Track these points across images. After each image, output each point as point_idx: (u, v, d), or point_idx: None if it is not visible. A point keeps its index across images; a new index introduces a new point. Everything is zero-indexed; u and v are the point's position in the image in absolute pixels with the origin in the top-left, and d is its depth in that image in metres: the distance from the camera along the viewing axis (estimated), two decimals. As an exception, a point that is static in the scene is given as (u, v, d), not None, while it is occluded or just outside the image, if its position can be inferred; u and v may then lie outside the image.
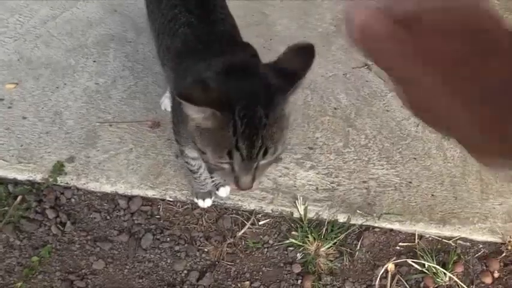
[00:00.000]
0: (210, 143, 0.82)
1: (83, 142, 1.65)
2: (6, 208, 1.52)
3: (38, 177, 1.57)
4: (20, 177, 1.58)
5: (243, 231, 1.50)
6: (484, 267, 1.53)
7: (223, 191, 1.51)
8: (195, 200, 1.50)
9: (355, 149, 1.70)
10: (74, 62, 1.89)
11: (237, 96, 0.79)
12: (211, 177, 1.46)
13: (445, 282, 1.47)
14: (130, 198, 1.54)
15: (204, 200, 1.49)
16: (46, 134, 1.67)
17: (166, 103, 1.68)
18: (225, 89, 0.81)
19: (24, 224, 1.49)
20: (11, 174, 1.58)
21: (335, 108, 1.81)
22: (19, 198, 1.53)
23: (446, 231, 1.55)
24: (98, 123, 1.70)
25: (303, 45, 0.82)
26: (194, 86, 0.84)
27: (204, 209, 1.52)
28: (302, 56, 0.83)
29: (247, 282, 1.44)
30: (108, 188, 1.56)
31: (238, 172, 0.82)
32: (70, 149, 1.63)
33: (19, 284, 1.40)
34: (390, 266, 1.49)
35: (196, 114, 0.81)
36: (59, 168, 1.57)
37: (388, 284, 1.46)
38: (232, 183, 0.87)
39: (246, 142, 0.78)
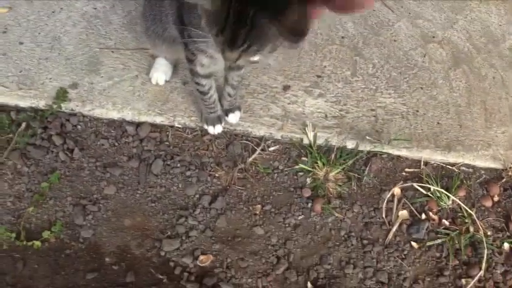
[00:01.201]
0: (207, 16, 0.84)
1: (85, 68, 1.60)
2: (10, 135, 1.49)
3: (41, 104, 1.52)
4: (22, 104, 1.53)
5: (253, 156, 1.51)
6: (485, 192, 1.58)
7: (233, 117, 1.50)
8: (205, 127, 1.49)
9: (363, 78, 1.69)
10: (69, -15, 1.78)
11: None
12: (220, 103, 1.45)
13: (448, 205, 1.53)
14: (138, 125, 1.52)
15: (214, 126, 1.48)
16: (45, 59, 1.61)
17: (156, 76, 1.56)
18: None
19: (30, 150, 1.47)
20: (12, 101, 1.53)
21: (342, 37, 1.78)
22: (23, 125, 1.49)
23: (450, 158, 1.58)
24: (99, 49, 1.64)
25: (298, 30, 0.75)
26: None
27: (214, 135, 1.51)
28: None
29: (259, 206, 1.46)
30: (115, 115, 1.53)
31: (224, 47, 0.85)
32: (72, 75, 1.58)
33: (30, 209, 1.39)
34: (396, 190, 1.53)
35: None
36: (62, 95, 1.52)
37: (394, 207, 1.51)
38: (220, 52, 0.89)
39: (230, 33, 0.80)
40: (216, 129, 1.48)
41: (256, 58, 1.00)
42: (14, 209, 1.41)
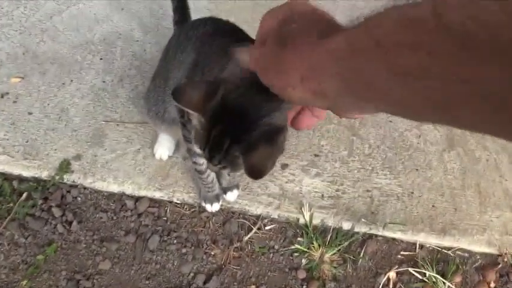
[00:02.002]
0: (195, 132, 0.88)
1: (90, 140, 1.64)
2: (11, 205, 1.51)
3: (43, 175, 1.56)
4: (26, 173, 1.56)
5: (249, 235, 1.52)
6: (481, 278, 1.58)
7: (231, 195, 1.53)
8: (203, 204, 1.51)
9: (359, 158, 1.73)
10: (81, 59, 1.87)
11: (223, 119, 0.81)
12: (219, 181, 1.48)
13: (443, 291, 1.52)
14: (137, 199, 1.54)
15: (212, 204, 1.50)
16: (52, 130, 1.66)
17: (160, 152, 1.60)
18: (222, 106, 0.80)
19: (29, 221, 1.48)
20: (16, 170, 1.56)
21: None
22: (24, 195, 1.52)
23: (446, 242, 1.59)
24: (104, 122, 1.70)
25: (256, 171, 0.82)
26: (199, 88, 0.82)
27: (211, 212, 1.53)
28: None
29: (253, 287, 1.45)
30: (115, 188, 1.56)
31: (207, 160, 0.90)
32: (77, 146, 1.62)
33: (24, 282, 1.39)
34: (392, 274, 1.52)
35: (186, 110, 0.85)
36: (65, 166, 1.56)
37: (390, 292, 1.50)
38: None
39: (209, 154, 0.85)
40: (213, 208, 1.50)
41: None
42: (8, 281, 1.40)
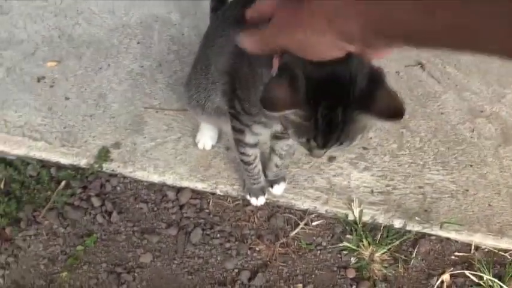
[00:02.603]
0: (293, 127, 0.83)
1: (129, 128, 1.58)
2: (49, 193, 1.46)
3: (82, 163, 1.50)
4: (64, 161, 1.51)
5: (296, 231, 1.45)
6: (540, 283, 1.48)
7: (277, 188, 1.45)
8: (248, 198, 1.44)
9: (410, 152, 1.63)
10: (117, 42, 1.80)
11: (323, 94, 0.75)
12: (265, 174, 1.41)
13: (501, 296, 1.43)
14: (179, 190, 1.48)
15: (257, 197, 1.43)
16: (90, 117, 1.60)
17: (203, 141, 1.52)
18: (312, 83, 0.75)
19: (68, 211, 1.43)
20: (54, 158, 1.51)
21: (388, 108, 1.74)
22: (63, 183, 1.47)
23: (503, 244, 1.49)
24: (143, 109, 1.63)
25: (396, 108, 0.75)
26: (280, 86, 0.76)
27: (256, 206, 1.46)
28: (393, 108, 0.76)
29: (300, 285, 1.38)
30: (156, 178, 1.49)
31: (312, 149, 0.86)
32: (115, 134, 1.56)
33: (64, 274, 1.34)
34: (446, 276, 1.44)
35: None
36: (104, 154, 1.50)
37: (444, 295, 1.42)
38: (307, 151, 0.89)
39: (323, 138, 0.79)
40: (259, 201, 1.43)
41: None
42: (47, 272, 1.36)
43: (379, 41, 0.54)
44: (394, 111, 0.73)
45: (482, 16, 0.41)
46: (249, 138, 1.20)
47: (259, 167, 1.36)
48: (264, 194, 1.43)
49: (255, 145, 1.25)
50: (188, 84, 1.38)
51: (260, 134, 1.18)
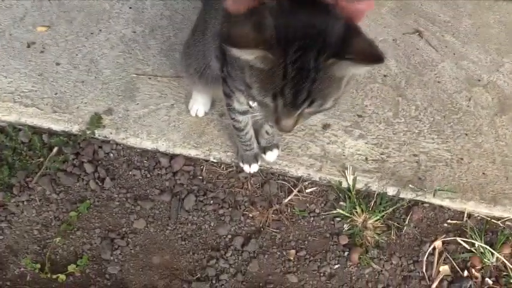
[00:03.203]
0: (258, 80, 0.77)
1: (121, 94, 1.56)
2: (41, 159, 1.45)
3: (74, 129, 1.49)
4: (56, 127, 1.49)
5: (289, 198, 1.45)
6: (531, 250, 1.49)
7: (271, 155, 1.44)
8: (241, 165, 1.43)
9: (405, 120, 1.62)
10: (109, 7, 1.76)
11: (294, 37, 0.71)
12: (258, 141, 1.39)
13: (491, 262, 1.44)
14: (172, 157, 1.47)
15: (250, 164, 1.42)
16: (82, 83, 1.57)
17: (196, 108, 1.49)
18: (282, 26, 0.71)
19: (61, 177, 1.42)
20: (45, 124, 1.49)
21: (384, 76, 1.72)
22: (55, 149, 1.46)
23: (496, 212, 1.50)
24: (136, 75, 1.60)
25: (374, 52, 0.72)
26: (245, 25, 0.73)
27: (249, 173, 1.45)
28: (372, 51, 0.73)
29: (293, 251, 1.39)
30: (148, 145, 1.48)
31: (280, 114, 0.79)
32: (107, 100, 1.54)
33: (57, 239, 1.35)
34: (438, 243, 1.45)
35: (246, 55, 0.75)
36: (96, 121, 1.48)
37: (435, 261, 1.43)
38: (273, 122, 0.83)
39: (292, 90, 0.73)
40: (252, 168, 1.42)
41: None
42: (41, 238, 1.36)
43: None
44: (372, 56, 0.70)
45: None
46: (236, 105, 1.18)
47: (252, 133, 1.34)
48: (257, 162, 1.42)
49: (244, 112, 1.23)
50: (186, 51, 1.35)
51: (243, 103, 1.16)
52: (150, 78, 1.60)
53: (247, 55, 0.74)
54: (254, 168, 1.43)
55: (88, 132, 1.47)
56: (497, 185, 1.54)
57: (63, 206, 1.40)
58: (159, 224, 1.40)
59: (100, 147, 1.47)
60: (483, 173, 1.55)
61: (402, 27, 1.86)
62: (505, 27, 1.92)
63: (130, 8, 1.77)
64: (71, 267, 1.30)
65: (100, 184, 1.43)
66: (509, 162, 1.59)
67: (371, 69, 1.64)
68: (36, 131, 1.49)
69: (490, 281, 1.43)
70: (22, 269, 1.31)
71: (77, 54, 1.63)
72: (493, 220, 1.50)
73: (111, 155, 1.47)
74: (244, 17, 0.76)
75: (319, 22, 0.72)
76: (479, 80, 1.77)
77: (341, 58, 0.71)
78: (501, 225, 1.50)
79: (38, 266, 1.30)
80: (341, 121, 1.58)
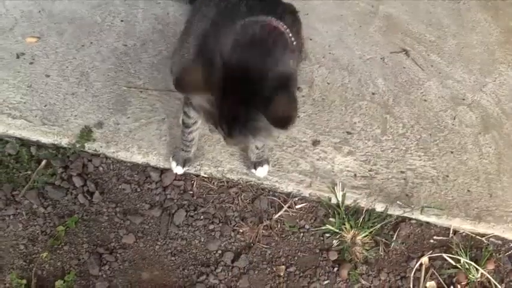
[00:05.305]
0: (204, 111, 0.91)
1: (112, 107, 1.55)
2: (29, 172, 1.43)
3: (63, 142, 1.47)
4: (44, 140, 1.48)
5: (279, 213, 1.45)
6: (514, 266, 1.53)
7: (261, 171, 1.45)
8: (170, 160, 1.42)
9: (393, 137, 1.65)
10: (100, 20, 1.76)
11: (233, 86, 0.83)
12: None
13: (476, 278, 1.47)
14: (162, 171, 1.46)
15: (177, 164, 1.41)
16: (72, 95, 1.56)
17: (174, 166, 1.44)
18: (226, 76, 0.83)
19: (49, 190, 1.40)
20: (34, 136, 1.47)
21: (373, 93, 1.75)
22: (43, 162, 1.44)
23: (480, 228, 1.53)
24: (127, 88, 1.60)
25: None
26: (194, 67, 0.84)
27: (174, 173, 1.43)
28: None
29: (283, 267, 1.40)
30: (139, 159, 1.48)
31: (224, 136, 0.93)
32: (98, 113, 1.53)
33: (44, 254, 1.32)
34: (425, 259, 1.47)
35: (193, 96, 0.93)
36: (86, 134, 1.47)
37: (422, 277, 1.45)
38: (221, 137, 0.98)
39: (228, 127, 0.87)
40: (177, 169, 1.42)
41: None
42: (27, 253, 1.34)
43: None
44: (283, 120, 0.80)
45: None
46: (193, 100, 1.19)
47: (196, 137, 1.35)
48: (184, 166, 1.42)
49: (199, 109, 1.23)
50: (174, 56, 1.39)
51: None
52: (141, 91, 1.60)
53: (194, 96, 0.90)
54: (179, 170, 1.42)
55: (78, 145, 1.46)
56: (481, 202, 1.57)
57: (51, 220, 1.38)
58: (149, 239, 1.39)
59: (90, 160, 1.46)
60: (468, 190, 1.59)
61: (390, 45, 1.90)
62: (487, 48, 1.98)
63: (122, 21, 1.77)
64: (58, 283, 1.28)
65: (89, 198, 1.41)
66: (492, 180, 1.63)
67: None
68: (24, 143, 1.47)
69: (475, 297, 1.45)
70: (7, 285, 1.28)
71: (67, 66, 1.62)
72: (477, 236, 1.53)
73: (101, 168, 1.46)
74: (195, 57, 0.91)
75: (256, 74, 0.82)
76: (463, 99, 1.82)
77: (263, 115, 0.83)
78: (485, 241, 1.53)
79: (24, 281, 1.27)
80: (330, 137, 1.61)
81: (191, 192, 1.46)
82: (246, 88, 0.81)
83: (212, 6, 1.13)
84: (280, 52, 0.89)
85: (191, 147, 1.38)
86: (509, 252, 1.54)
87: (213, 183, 1.47)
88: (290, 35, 0.96)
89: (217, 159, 1.49)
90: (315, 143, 1.58)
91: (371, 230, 1.46)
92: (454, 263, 1.47)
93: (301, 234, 1.45)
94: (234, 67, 0.81)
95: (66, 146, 1.47)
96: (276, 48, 0.88)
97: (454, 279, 1.47)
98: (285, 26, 0.95)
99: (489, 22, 2.07)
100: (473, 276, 1.46)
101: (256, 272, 1.38)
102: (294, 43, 0.96)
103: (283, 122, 0.80)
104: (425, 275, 1.45)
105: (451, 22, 2.04)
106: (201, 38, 1.11)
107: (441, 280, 1.45)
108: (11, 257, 1.32)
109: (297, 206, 1.48)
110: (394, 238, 1.48)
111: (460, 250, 1.49)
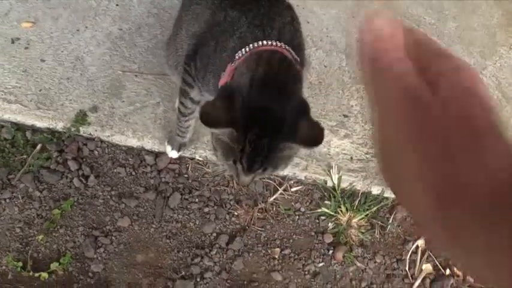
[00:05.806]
0: (222, 147, 0.92)
1: (107, 91, 1.55)
2: (24, 156, 1.43)
3: (58, 126, 1.47)
4: (39, 124, 1.47)
5: (274, 196, 1.45)
6: None
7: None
8: (165, 145, 1.42)
9: (390, 121, 1.64)
10: (95, 4, 1.74)
11: (255, 122, 0.87)
12: None
13: (473, 261, 1.46)
14: (157, 155, 1.46)
15: (173, 148, 1.41)
16: (67, 79, 1.56)
17: (169, 150, 1.44)
18: (249, 112, 0.87)
19: (44, 174, 1.41)
20: (29, 121, 1.47)
21: (370, 76, 1.73)
22: (38, 146, 1.44)
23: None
24: (122, 72, 1.59)
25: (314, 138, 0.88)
26: (217, 107, 0.87)
27: (169, 157, 1.43)
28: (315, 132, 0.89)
29: (278, 249, 1.40)
30: (134, 142, 1.47)
31: (239, 174, 0.94)
32: (93, 97, 1.53)
33: (40, 237, 1.33)
34: (421, 241, 1.47)
35: (215, 130, 0.92)
36: (81, 118, 1.47)
37: (418, 260, 1.45)
38: (234, 177, 1.01)
39: (248, 161, 0.88)
40: (172, 153, 1.42)
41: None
42: (23, 235, 1.34)
43: None
44: (313, 140, 0.86)
45: None
46: (194, 94, 1.20)
47: (192, 124, 1.35)
48: (179, 151, 1.42)
49: (197, 102, 1.24)
50: (168, 43, 1.37)
51: (205, 98, 1.19)
52: (136, 75, 1.59)
53: (217, 130, 0.90)
54: (174, 154, 1.42)
55: (73, 129, 1.46)
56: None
57: (46, 204, 1.38)
58: (144, 222, 1.39)
59: (85, 144, 1.46)
60: (466, 173, 1.58)
61: (388, 28, 1.88)
62: (488, 31, 1.95)
63: (117, 5, 1.75)
64: (54, 265, 1.29)
65: (84, 182, 1.42)
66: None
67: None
68: (20, 127, 1.47)
69: (471, 279, 1.45)
70: (4, 267, 1.29)
71: (62, 51, 1.62)
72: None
73: (96, 152, 1.46)
74: (219, 95, 0.92)
75: (278, 110, 0.87)
76: (462, 82, 1.79)
77: (289, 142, 0.87)
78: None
79: (20, 264, 1.28)
80: (327, 121, 1.59)
81: (186, 175, 1.46)
82: (268, 124, 0.85)
83: (203, 7, 1.12)
84: (293, 81, 0.93)
85: (187, 133, 1.38)
86: None
87: (208, 166, 1.47)
88: (295, 57, 0.97)
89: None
90: (311, 126, 1.57)
91: (367, 212, 1.45)
92: (450, 246, 1.47)
93: (297, 217, 1.45)
94: (253, 103, 0.86)
95: (61, 130, 1.47)
96: (288, 78, 0.93)
97: (450, 262, 1.46)
98: (290, 51, 0.96)
99: (490, 5, 2.03)
100: (470, 258, 1.46)
101: (250, 255, 1.38)
102: (298, 59, 0.98)
103: (315, 141, 0.86)
104: (421, 258, 1.45)
105: (452, 5, 2.00)
106: (196, 38, 1.12)
107: (437, 263, 1.45)
108: (7, 240, 1.33)
109: (293, 189, 1.47)
110: (390, 221, 1.47)
111: (457, 233, 1.48)
